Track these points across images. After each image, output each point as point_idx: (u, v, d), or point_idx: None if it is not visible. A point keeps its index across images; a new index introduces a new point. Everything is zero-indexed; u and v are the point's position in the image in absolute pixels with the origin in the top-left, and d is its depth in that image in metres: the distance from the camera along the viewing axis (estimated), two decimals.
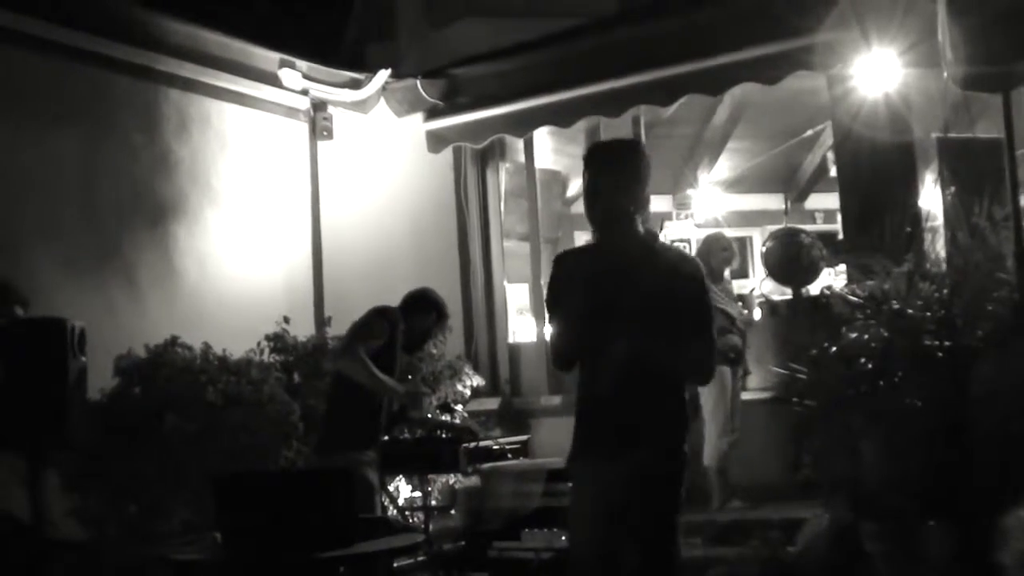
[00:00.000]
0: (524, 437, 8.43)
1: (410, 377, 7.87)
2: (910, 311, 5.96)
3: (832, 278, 9.88)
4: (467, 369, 9.19)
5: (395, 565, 6.39)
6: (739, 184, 13.38)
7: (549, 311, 4.12)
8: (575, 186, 12.58)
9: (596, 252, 4.12)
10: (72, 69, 7.55)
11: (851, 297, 6.43)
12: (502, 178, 10.50)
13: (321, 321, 8.79)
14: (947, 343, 5.81)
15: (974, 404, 5.62)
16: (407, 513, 7.64)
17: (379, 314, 6.31)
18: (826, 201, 13.14)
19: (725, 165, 13.17)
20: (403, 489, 7.99)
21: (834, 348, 6.15)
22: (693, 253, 9.65)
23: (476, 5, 10.64)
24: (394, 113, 9.86)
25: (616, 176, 4.05)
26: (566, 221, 12.60)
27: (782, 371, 6.72)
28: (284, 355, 7.91)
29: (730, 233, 9.70)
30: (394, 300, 6.48)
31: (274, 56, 9.08)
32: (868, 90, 7.66)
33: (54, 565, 5.69)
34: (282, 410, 7.27)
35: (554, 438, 8.14)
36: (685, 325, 3.93)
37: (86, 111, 7.68)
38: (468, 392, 9.03)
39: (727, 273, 8.54)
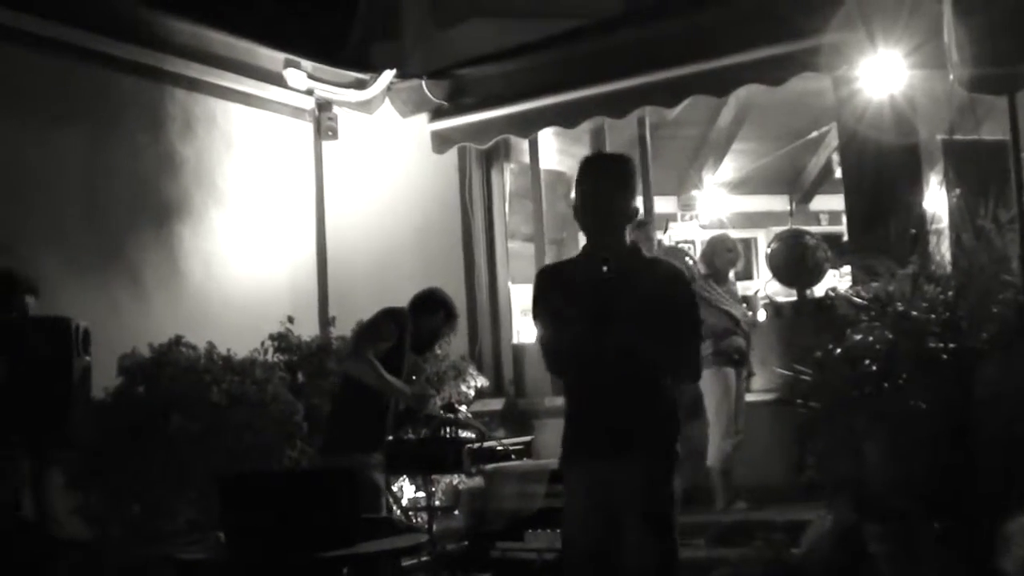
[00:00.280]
0: (528, 438, 8.43)
1: (414, 378, 7.88)
2: (915, 313, 5.95)
3: (837, 280, 9.86)
4: (471, 370, 9.19)
5: (402, 564, 6.39)
6: (744, 185, 13.36)
7: (538, 321, 4.20)
8: None
9: (584, 260, 4.19)
10: (77, 68, 7.56)
11: (856, 299, 6.42)
12: (507, 179, 10.50)
13: (325, 321, 8.79)
14: (952, 345, 5.80)
15: (979, 406, 5.61)
16: (411, 513, 7.65)
17: (387, 315, 6.31)
18: (831, 203, 13.11)
19: (730, 166, 13.15)
20: (407, 489, 7.99)
21: (838, 350, 6.13)
22: (698, 254, 9.65)
23: (481, 6, 10.64)
24: (399, 113, 9.86)
25: (610, 187, 4.12)
26: (570, 222, 12.50)
27: (786, 373, 6.71)
28: (288, 355, 7.91)
29: (735, 234, 9.69)
30: (398, 300, 6.49)
31: (279, 56, 9.08)
32: (873, 92, 7.65)
33: (58, 563, 5.70)
34: (286, 410, 7.28)
35: (558, 439, 8.12)
36: (673, 328, 3.99)
37: (91, 110, 7.68)
38: (472, 393, 9.03)
39: (732, 274, 8.54)
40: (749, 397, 8.26)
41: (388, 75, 9.74)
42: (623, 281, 4.02)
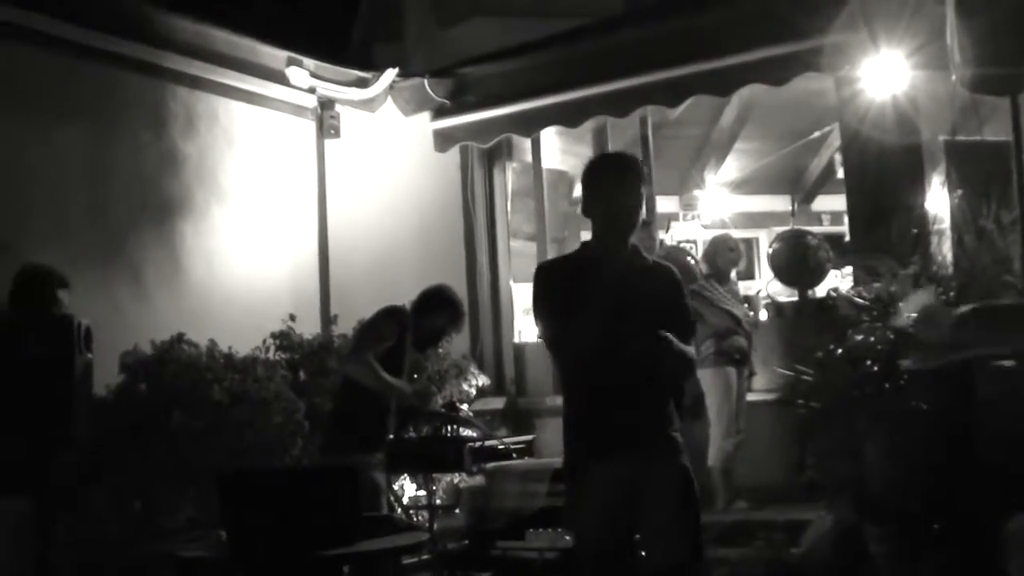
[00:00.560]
0: (529, 437, 8.44)
1: (416, 376, 7.88)
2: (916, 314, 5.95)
3: (838, 280, 9.87)
4: (472, 368, 9.19)
5: (403, 563, 6.39)
6: (746, 185, 13.36)
7: (539, 317, 4.24)
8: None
9: (588, 257, 4.22)
10: (79, 66, 7.56)
11: (857, 299, 6.43)
12: (509, 178, 10.51)
13: (327, 319, 8.80)
14: None
15: (979, 407, 5.61)
16: (411, 512, 7.65)
17: (388, 315, 6.31)
18: (833, 203, 13.11)
19: (732, 166, 13.15)
20: (408, 488, 7.99)
21: (840, 350, 6.14)
22: (699, 254, 9.65)
23: (484, 5, 10.65)
24: (401, 112, 9.86)
25: (620, 187, 4.15)
26: (573, 221, 12.56)
27: (788, 373, 6.72)
28: (290, 353, 7.91)
29: (737, 234, 9.70)
30: (400, 298, 6.49)
31: (282, 54, 9.09)
32: (876, 92, 7.65)
33: (61, 561, 5.71)
34: (287, 408, 7.28)
35: (559, 438, 8.12)
36: (670, 329, 4.02)
37: (93, 108, 7.68)
38: (473, 391, 9.03)
39: (733, 274, 8.54)
40: (750, 397, 8.27)
41: (390, 74, 9.74)
42: (625, 280, 4.05)
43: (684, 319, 4.25)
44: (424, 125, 9.82)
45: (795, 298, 9.72)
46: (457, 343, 8.87)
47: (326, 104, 9.44)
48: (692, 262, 8.97)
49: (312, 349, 7.99)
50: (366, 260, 9.29)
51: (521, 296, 10.41)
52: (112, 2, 7.84)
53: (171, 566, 4.61)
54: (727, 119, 12.16)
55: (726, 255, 8.37)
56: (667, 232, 12.40)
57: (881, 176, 7.73)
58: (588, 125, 9.42)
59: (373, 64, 9.94)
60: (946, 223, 7.16)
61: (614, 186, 4.17)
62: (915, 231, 6.62)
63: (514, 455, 7.39)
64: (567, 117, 9.14)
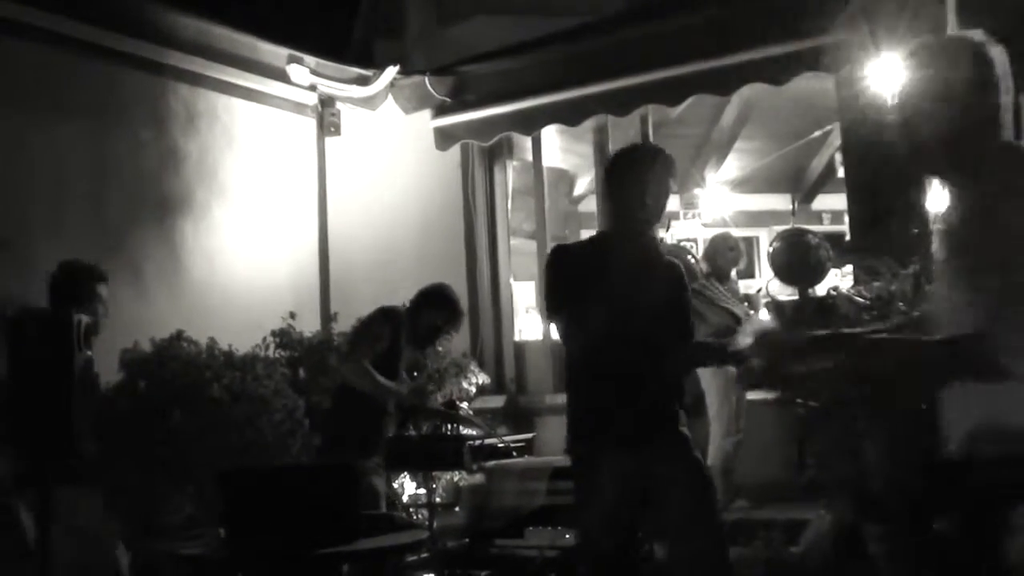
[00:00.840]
0: (529, 435, 8.43)
1: (416, 374, 7.88)
2: (917, 313, 5.95)
3: (839, 279, 9.86)
4: (472, 367, 9.19)
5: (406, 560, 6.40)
6: (746, 184, 13.37)
7: (551, 299, 4.26)
8: (582, 184, 12.59)
9: (599, 245, 4.24)
10: (80, 63, 7.56)
11: (857, 298, 6.42)
12: (509, 176, 10.50)
13: (327, 317, 8.80)
14: None
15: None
16: (411, 510, 7.65)
17: (381, 316, 6.30)
18: (833, 202, 13.12)
19: (733, 165, 13.16)
20: (408, 486, 7.99)
21: None
22: (700, 253, 9.65)
23: (485, 3, 10.64)
24: (402, 110, 9.86)
25: (648, 178, 4.18)
26: (573, 219, 12.60)
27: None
28: (289, 351, 7.91)
29: (737, 233, 9.69)
30: (400, 296, 6.49)
31: (282, 52, 9.09)
32: (877, 92, 7.64)
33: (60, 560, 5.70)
34: (287, 406, 7.28)
35: (559, 436, 8.12)
36: (675, 325, 4.13)
37: (94, 105, 7.68)
38: (473, 390, 9.03)
39: (734, 273, 8.54)
40: (750, 396, 8.26)
41: (391, 71, 9.75)
42: (631, 271, 4.06)
43: (684, 319, 4.26)
44: (425, 123, 9.82)
45: (795, 297, 9.71)
46: (457, 341, 8.87)
47: (327, 102, 9.44)
48: (692, 261, 8.96)
49: (312, 347, 7.99)
50: (366, 258, 9.29)
51: (521, 294, 10.41)
52: None
53: (170, 564, 4.62)
54: (728, 118, 12.16)
55: (726, 254, 8.37)
56: (667, 231, 12.39)
57: (882, 175, 7.73)
58: (589, 124, 9.42)
59: (374, 62, 9.95)
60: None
61: (623, 176, 4.19)
62: (915, 230, 6.61)
63: (514, 453, 7.38)
64: (568, 116, 9.15)
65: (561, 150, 11.10)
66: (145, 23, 7.98)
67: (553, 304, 4.28)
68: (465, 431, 7.08)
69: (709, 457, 7.89)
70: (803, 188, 14.02)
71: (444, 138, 9.80)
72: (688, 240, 12.81)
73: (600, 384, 4.15)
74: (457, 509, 7.59)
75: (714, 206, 13.23)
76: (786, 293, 10.08)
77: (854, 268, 7.76)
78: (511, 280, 10.26)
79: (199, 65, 8.40)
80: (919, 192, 7.75)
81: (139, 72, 8.00)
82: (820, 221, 13.83)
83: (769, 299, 9.61)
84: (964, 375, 2.69)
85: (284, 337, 7.94)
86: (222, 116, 8.63)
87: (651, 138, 9.98)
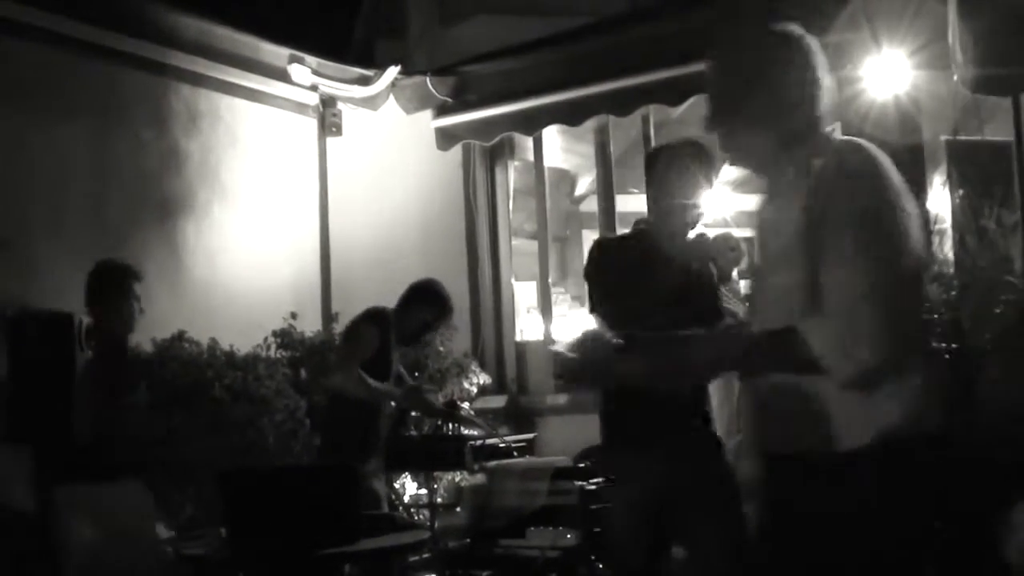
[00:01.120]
0: (530, 435, 8.44)
1: (417, 374, 7.89)
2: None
3: None
4: (474, 367, 9.19)
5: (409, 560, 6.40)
6: (747, 184, 13.32)
7: (594, 295, 4.23)
8: (584, 184, 12.57)
9: (640, 240, 4.20)
10: (81, 63, 7.56)
11: None
12: (511, 176, 10.50)
13: (328, 317, 8.80)
14: (955, 345, 5.80)
15: (981, 407, 5.61)
16: (412, 510, 7.65)
17: (368, 321, 6.29)
18: None
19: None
20: (409, 486, 7.99)
21: None
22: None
23: (486, 3, 10.64)
24: (403, 110, 9.85)
25: (698, 174, 4.16)
26: (575, 220, 12.58)
27: None
28: (291, 351, 7.91)
29: (738, 233, 9.67)
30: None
31: (284, 52, 9.09)
32: (877, 92, 7.64)
33: (58, 560, 5.70)
34: (289, 406, 7.28)
35: (560, 436, 8.14)
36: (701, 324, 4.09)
37: (95, 105, 7.68)
38: (475, 390, 9.03)
39: (735, 273, 8.52)
40: None
41: (392, 71, 9.74)
42: (668, 269, 4.04)
43: (716, 321, 4.26)
44: (426, 123, 9.81)
45: None
46: (458, 341, 8.89)
47: (328, 102, 9.44)
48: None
49: (313, 347, 7.99)
50: (367, 258, 9.29)
51: (523, 294, 10.41)
52: None
53: (172, 564, 4.62)
54: None
55: (728, 254, 8.34)
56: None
57: None
58: (590, 124, 9.41)
59: (375, 62, 9.94)
60: (948, 223, 7.16)
61: (663, 173, 4.16)
62: None
63: (515, 453, 7.39)
64: (569, 116, 9.14)
65: (562, 150, 11.08)
66: (146, 23, 7.98)
67: (591, 302, 4.25)
68: (466, 431, 7.08)
69: None
70: None
71: (445, 138, 9.80)
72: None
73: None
74: (458, 509, 7.59)
75: (715, 206, 13.20)
76: None
77: None
78: (512, 280, 10.25)
79: (200, 65, 8.40)
80: (920, 192, 7.76)
81: (140, 72, 8.00)
82: None
83: None
84: (778, 370, 2.66)
85: (285, 337, 7.94)
86: (223, 116, 8.63)
87: (652, 139, 9.97)
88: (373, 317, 6.28)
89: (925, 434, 2.59)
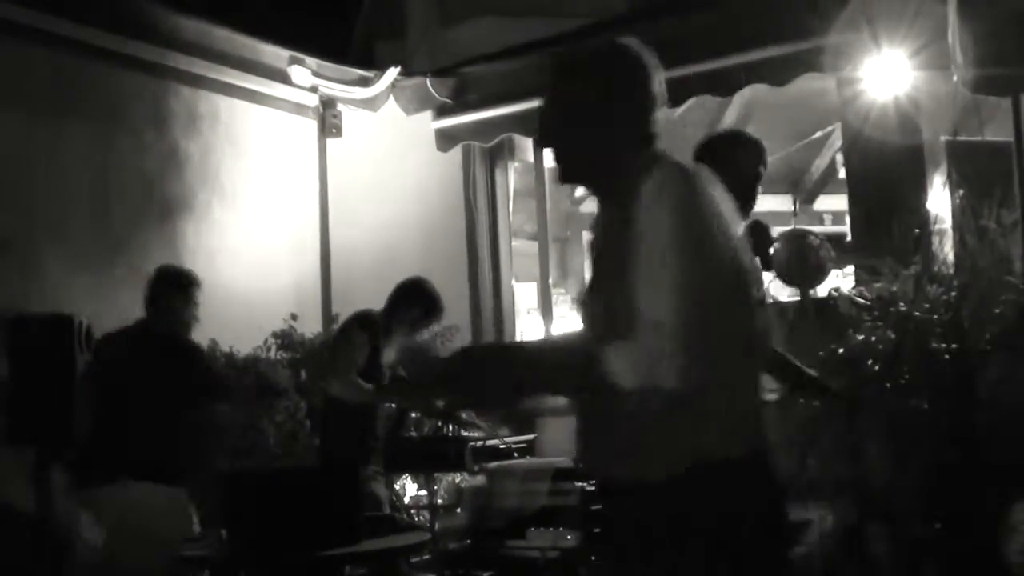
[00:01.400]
0: (531, 436, 8.44)
1: None
2: (917, 314, 5.96)
3: (840, 280, 9.87)
4: None
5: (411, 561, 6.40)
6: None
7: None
8: None
9: None
10: (81, 65, 7.56)
11: (859, 299, 6.43)
12: (511, 177, 10.50)
13: (329, 318, 8.80)
14: (954, 346, 5.81)
15: (981, 407, 5.61)
16: (413, 512, 7.65)
17: (357, 324, 6.29)
18: (835, 203, 13.11)
19: None
20: (409, 488, 7.99)
21: (841, 350, 6.14)
22: None
23: (486, 4, 10.64)
24: (403, 111, 9.85)
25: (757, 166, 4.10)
26: (575, 221, 12.59)
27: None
28: (291, 352, 7.91)
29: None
30: None
31: (284, 53, 9.09)
32: (878, 92, 7.64)
33: (59, 562, 5.71)
34: (289, 407, 7.28)
35: (560, 437, 8.13)
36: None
37: (95, 107, 7.69)
38: None
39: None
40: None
41: (392, 72, 9.74)
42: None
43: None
44: (426, 124, 9.81)
45: (797, 298, 9.71)
46: (458, 342, 8.88)
47: (328, 103, 9.45)
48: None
49: (314, 348, 7.99)
50: (368, 259, 9.29)
51: (523, 296, 10.40)
52: (114, 1, 7.85)
53: (173, 565, 4.62)
54: (728, 119, 12.14)
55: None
56: None
57: (883, 176, 7.73)
58: None
59: (375, 63, 9.96)
60: (948, 223, 7.15)
61: (715, 163, 4.10)
62: (917, 231, 6.61)
63: (515, 454, 7.39)
64: None
65: None
66: (147, 25, 7.98)
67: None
68: (467, 432, 7.08)
69: None
70: (804, 189, 14.00)
71: (445, 139, 9.79)
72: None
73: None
74: (459, 510, 7.59)
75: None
76: (788, 294, 10.09)
77: (855, 269, 7.76)
78: (512, 281, 10.25)
79: (201, 67, 8.40)
80: (920, 193, 7.77)
81: (141, 74, 8.01)
82: (821, 222, 13.82)
83: (770, 300, 9.62)
84: (478, 389, 2.63)
85: (286, 339, 7.95)
86: (224, 118, 8.64)
87: None
88: (361, 321, 6.28)
89: (725, 459, 2.52)
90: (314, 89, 9.32)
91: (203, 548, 4.32)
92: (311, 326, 8.30)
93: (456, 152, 9.99)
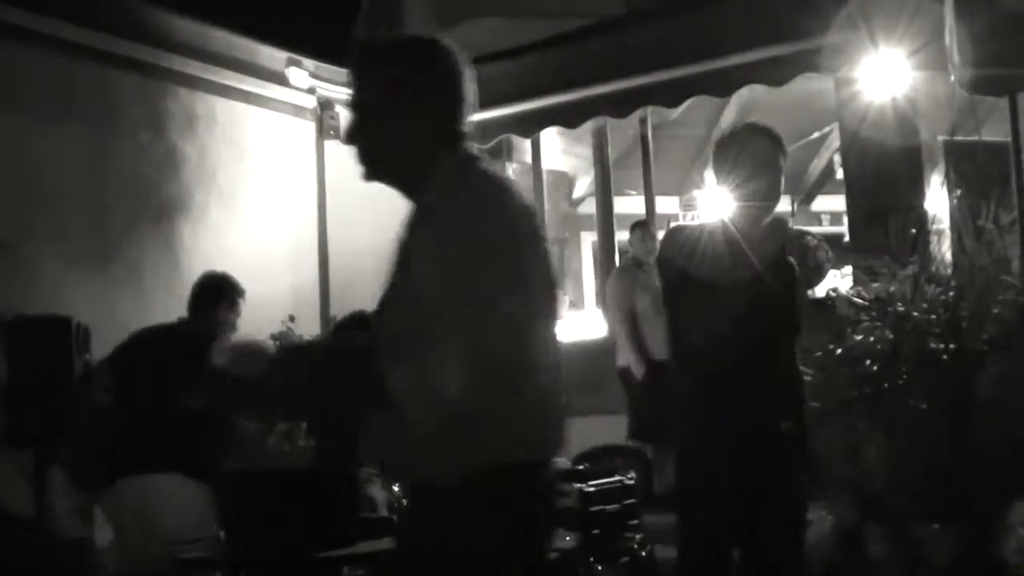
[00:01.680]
0: None
1: None
2: (915, 314, 5.95)
3: (838, 280, 9.87)
4: None
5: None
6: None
7: (668, 286, 4.15)
8: (582, 186, 12.58)
9: (720, 232, 4.06)
10: (79, 66, 7.56)
11: (857, 299, 6.43)
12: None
13: (327, 320, 8.79)
14: (952, 346, 5.80)
15: (979, 407, 5.61)
16: None
17: (355, 327, 6.28)
18: (833, 203, 13.12)
19: None
20: None
21: (839, 350, 6.13)
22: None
23: (484, 5, 10.64)
24: None
25: (777, 164, 4.01)
26: (573, 221, 12.60)
27: None
28: None
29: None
30: None
31: (281, 55, 9.09)
32: (875, 92, 7.66)
33: (58, 563, 5.71)
34: None
35: None
36: (782, 326, 4.15)
37: (92, 108, 7.68)
38: None
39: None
40: None
41: None
42: (748, 265, 3.94)
43: (795, 322, 4.17)
44: None
45: None
46: None
47: (326, 105, 9.45)
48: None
49: None
50: (366, 260, 9.23)
51: None
52: (111, 2, 7.84)
53: (171, 567, 4.61)
54: (727, 119, 12.14)
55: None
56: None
57: (880, 176, 7.73)
58: (588, 126, 9.42)
59: None
60: (945, 223, 7.16)
61: (737, 158, 4.02)
62: (914, 231, 6.61)
63: None
64: (567, 118, 9.14)
65: (560, 152, 11.10)
66: (144, 27, 7.98)
67: (666, 290, 4.12)
68: None
69: None
70: (802, 189, 14.01)
71: None
72: None
73: (707, 383, 3.99)
74: None
75: (713, 207, 13.20)
76: None
77: (853, 269, 7.76)
78: None
79: (197, 68, 8.40)
80: (918, 193, 7.78)
81: (138, 75, 8.00)
82: (819, 222, 13.83)
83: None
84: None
85: (284, 340, 7.93)
86: (221, 119, 8.63)
87: (650, 140, 9.99)
88: (358, 322, 6.27)
89: (517, 463, 2.47)
90: (312, 91, 9.32)
91: (200, 549, 4.31)
92: (309, 328, 8.28)
93: None
